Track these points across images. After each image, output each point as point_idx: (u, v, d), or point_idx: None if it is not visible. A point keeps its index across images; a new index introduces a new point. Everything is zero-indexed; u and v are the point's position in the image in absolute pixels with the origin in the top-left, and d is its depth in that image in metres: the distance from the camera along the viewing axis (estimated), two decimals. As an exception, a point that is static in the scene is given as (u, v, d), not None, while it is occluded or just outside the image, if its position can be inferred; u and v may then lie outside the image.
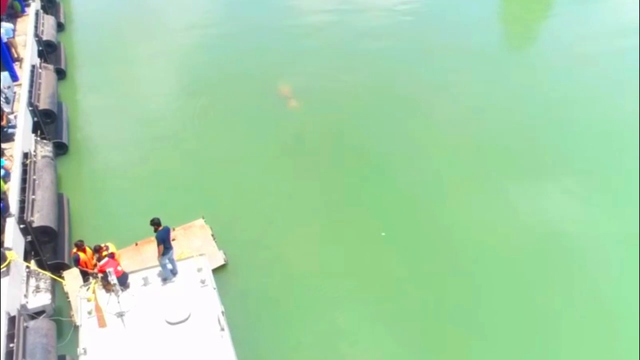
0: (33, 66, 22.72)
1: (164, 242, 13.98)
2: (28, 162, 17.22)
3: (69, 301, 15.11)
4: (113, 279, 12.99)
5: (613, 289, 15.59)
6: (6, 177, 16.28)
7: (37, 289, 14.29)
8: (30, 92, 20.83)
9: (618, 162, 20.24)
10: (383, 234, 17.10)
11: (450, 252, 16.79)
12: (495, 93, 24.75)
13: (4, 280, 13.01)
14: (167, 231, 14.19)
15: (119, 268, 13.84)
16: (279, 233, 17.37)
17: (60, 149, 21.13)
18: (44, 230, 15.59)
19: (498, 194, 18.97)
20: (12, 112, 19.17)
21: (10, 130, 18.26)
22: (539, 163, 20.44)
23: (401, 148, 21.24)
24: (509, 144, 21.39)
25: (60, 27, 30.94)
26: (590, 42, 28.58)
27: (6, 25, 23.01)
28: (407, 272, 16.27)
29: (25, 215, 15.29)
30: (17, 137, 18.14)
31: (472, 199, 18.80)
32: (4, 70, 20.84)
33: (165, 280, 14.22)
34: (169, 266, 14.35)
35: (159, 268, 14.47)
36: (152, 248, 16.36)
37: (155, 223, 14.00)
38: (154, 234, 15.83)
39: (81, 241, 14.30)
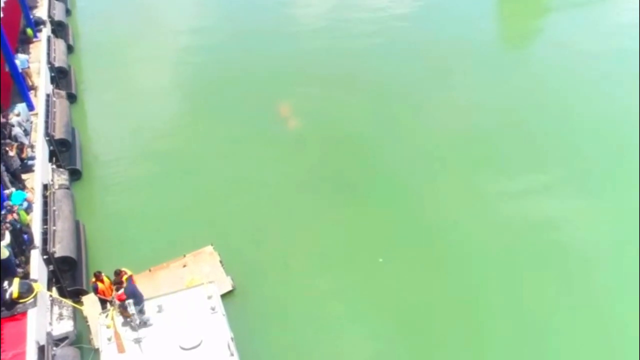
0: (48, 95, 23.89)
1: (136, 295, 14.57)
2: (48, 193, 18.40)
3: (88, 325, 16.28)
4: (132, 309, 14.21)
5: (610, 287, 16.80)
6: (28, 209, 17.46)
7: (60, 316, 15.50)
8: (46, 122, 22.01)
9: (615, 160, 21.55)
10: (380, 260, 18.20)
11: (450, 257, 18.11)
12: (496, 94, 26.19)
13: (32, 311, 14.21)
14: (131, 282, 14.81)
15: (136, 297, 15.01)
16: (285, 258, 18.39)
17: (74, 174, 22.19)
18: (64, 260, 16.80)
19: (497, 195, 20.32)
20: (31, 145, 20.32)
21: (30, 162, 19.43)
22: (537, 161, 21.86)
23: (400, 157, 22.59)
24: (510, 145, 22.81)
25: (69, 49, 31.98)
26: (586, 39, 30.21)
27: (21, 56, 24.18)
28: (410, 285, 17.37)
29: (48, 246, 16.50)
30: (37, 168, 19.33)
31: (470, 201, 20.12)
32: (21, 101, 22.05)
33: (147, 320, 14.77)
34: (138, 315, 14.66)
35: (172, 296, 15.63)
36: (165, 274, 17.62)
37: (119, 282, 14.77)
38: (164, 262, 17.23)
39: (99, 272, 15.45)
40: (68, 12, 36.57)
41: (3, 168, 17.54)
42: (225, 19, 36.09)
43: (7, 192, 17.22)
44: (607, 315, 16.06)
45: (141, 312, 14.61)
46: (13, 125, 19.89)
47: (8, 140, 19.07)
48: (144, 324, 14.60)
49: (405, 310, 16.69)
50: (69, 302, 15.96)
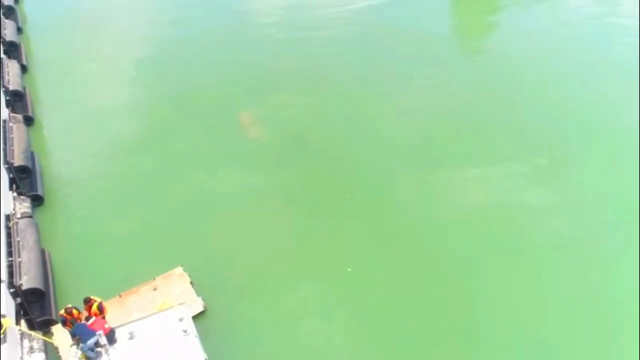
0: (4, 121, 23.50)
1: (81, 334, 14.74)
2: (11, 224, 18.20)
3: (60, 356, 16.21)
4: (103, 339, 14.29)
5: (607, 281, 17.45)
6: (-9, 242, 17.27)
7: (31, 349, 15.44)
8: (4, 149, 21.67)
9: (606, 152, 22.83)
10: (349, 269, 18.55)
11: (434, 261, 18.59)
12: (463, 91, 27.44)
13: (3, 347, 14.13)
14: (78, 326, 14.93)
15: (105, 326, 15.04)
16: (255, 276, 18.51)
17: (36, 200, 21.87)
18: (32, 292, 16.67)
19: (478, 193, 21.13)
20: (-10, 175, 20.04)
21: (-11, 193, 19.16)
22: (519, 157, 22.96)
23: (371, 161, 23.25)
24: (486, 142, 23.91)
25: (23, 69, 31.38)
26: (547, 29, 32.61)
27: (-25, 83, 23.76)
28: (386, 294, 17.68)
29: (14, 279, 16.36)
30: (-3, 199, 19.05)
31: (451, 202, 20.82)
32: (-23, 130, 21.70)
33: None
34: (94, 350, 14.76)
35: (143, 321, 15.72)
36: (136, 299, 17.66)
37: (71, 321, 15.12)
38: (134, 286, 17.20)
39: (69, 307, 15.34)
40: (19, 30, 35.87)
41: (-37, 202, 17.31)
42: (180, 29, 36.10)
43: (-32, 227, 17.02)
44: (607, 314, 16.54)
45: (92, 349, 14.56)
46: (-30, 156, 19.58)
47: (-34, 172, 18.79)
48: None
49: (384, 323, 16.87)
50: (38, 335, 15.87)
